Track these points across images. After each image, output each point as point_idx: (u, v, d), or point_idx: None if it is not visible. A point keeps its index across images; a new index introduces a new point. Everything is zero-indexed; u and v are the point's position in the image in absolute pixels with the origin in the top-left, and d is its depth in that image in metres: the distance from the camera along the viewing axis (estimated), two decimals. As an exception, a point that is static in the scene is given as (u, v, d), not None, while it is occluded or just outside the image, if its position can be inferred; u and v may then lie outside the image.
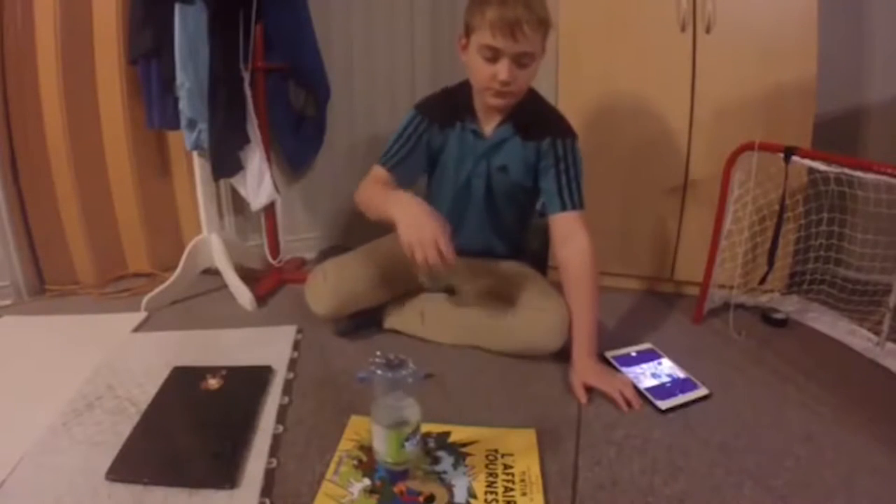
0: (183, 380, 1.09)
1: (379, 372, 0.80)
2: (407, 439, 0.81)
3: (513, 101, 1.13)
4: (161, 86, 1.49)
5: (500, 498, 0.79)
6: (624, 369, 1.15)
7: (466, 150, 1.23)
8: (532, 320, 1.16)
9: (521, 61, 1.05)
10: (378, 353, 0.83)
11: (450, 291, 1.35)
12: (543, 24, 1.04)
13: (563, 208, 1.15)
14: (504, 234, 1.35)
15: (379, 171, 1.22)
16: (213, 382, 1.07)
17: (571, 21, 1.49)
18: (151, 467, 0.85)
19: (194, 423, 0.97)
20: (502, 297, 1.24)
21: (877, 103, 1.60)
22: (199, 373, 1.10)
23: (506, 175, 1.23)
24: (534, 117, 1.19)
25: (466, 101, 1.20)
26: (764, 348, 1.28)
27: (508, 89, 1.07)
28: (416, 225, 0.98)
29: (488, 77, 1.06)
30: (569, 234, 1.15)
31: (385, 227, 1.40)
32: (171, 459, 0.87)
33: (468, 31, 1.08)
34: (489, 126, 1.21)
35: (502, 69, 1.04)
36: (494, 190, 1.26)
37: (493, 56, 1.04)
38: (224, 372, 1.10)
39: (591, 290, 1.12)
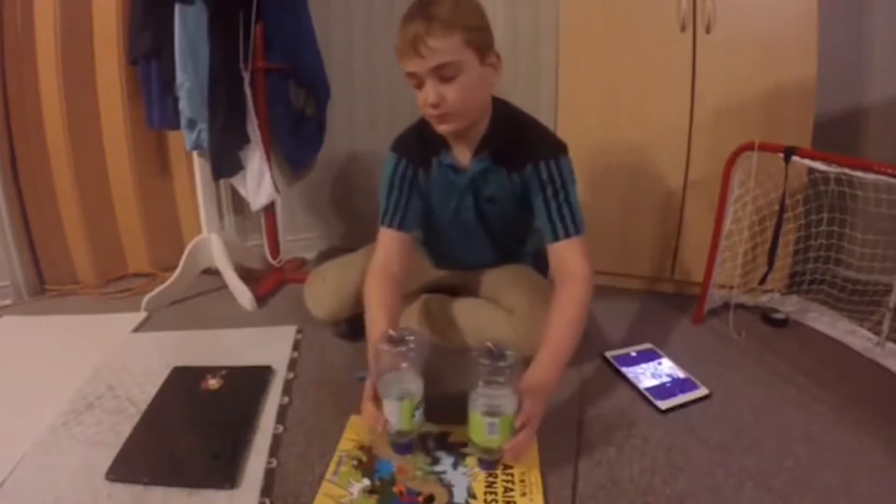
0: (183, 380, 1.09)
1: (385, 347, 0.84)
2: (416, 409, 0.85)
3: (463, 122, 1.00)
4: (161, 86, 1.49)
5: (499, 498, 0.79)
6: (624, 369, 1.15)
7: (448, 185, 1.14)
8: (529, 330, 1.14)
9: (443, 75, 0.92)
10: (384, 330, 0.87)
11: (451, 293, 1.35)
12: (452, 27, 0.90)
13: (556, 238, 1.03)
14: (505, 251, 1.31)
15: (385, 237, 1.12)
16: (213, 382, 1.07)
17: (571, 21, 1.49)
18: (151, 467, 0.85)
19: (194, 423, 0.97)
20: (502, 299, 1.24)
21: (877, 103, 1.60)
22: (199, 373, 1.10)
23: (495, 205, 1.16)
24: (511, 143, 1.07)
25: (436, 133, 1.06)
26: (764, 348, 1.28)
27: (443, 111, 0.96)
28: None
29: (422, 104, 0.97)
30: (565, 266, 1.03)
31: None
32: (171, 459, 0.87)
33: None
34: (464, 157, 1.10)
35: (427, 91, 0.94)
36: (487, 218, 1.19)
37: (417, 82, 0.95)
38: (224, 372, 1.10)
39: (574, 325, 0.97)
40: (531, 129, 1.10)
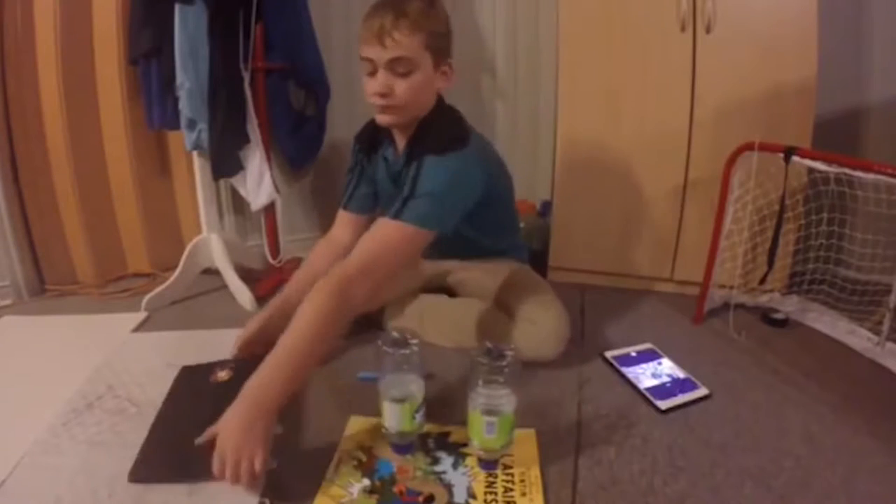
0: (192, 376, 1.09)
1: (388, 349, 0.84)
2: (417, 411, 0.86)
3: (402, 118, 1.05)
4: (161, 86, 1.49)
5: (499, 498, 0.79)
6: (624, 369, 1.15)
7: (385, 176, 1.19)
8: (526, 332, 1.14)
9: (397, 69, 0.98)
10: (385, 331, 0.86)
11: (449, 293, 1.35)
12: (418, 27, 0.96)
13: (387, 214, 1.00)
14: (477, 240, 1.26)
15: (339, 216, 1.28)
16: (222, 374, 1.06)
17: (571, 22, 1.49)
18: (173, 464, 0.84)
19: (210, 416, 0.96)
20: (500, 301, 1.24)
21: (877, 103, 1.60)
22: (207, 367, 1.09)
23: None
24: (426, 141, 1.05)
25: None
26: (764, 348, 1.28)
27: (389, 102, 1.00)
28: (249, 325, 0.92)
29: (370, 92, 1.01)
30: (366, 236, 0.98)
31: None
32: (192, 454, 0.86)
33: None
34: (400, 150, 1.14)
35: (377, 80, 0.99)
36: None
37: (372, 69, 1.00)
38: (232, 364, 1.09)
39: (313, 314, 0.86)
40: (442, 128, 1.07)
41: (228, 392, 0.98)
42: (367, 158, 1.23)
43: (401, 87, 0.99)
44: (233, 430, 0.77)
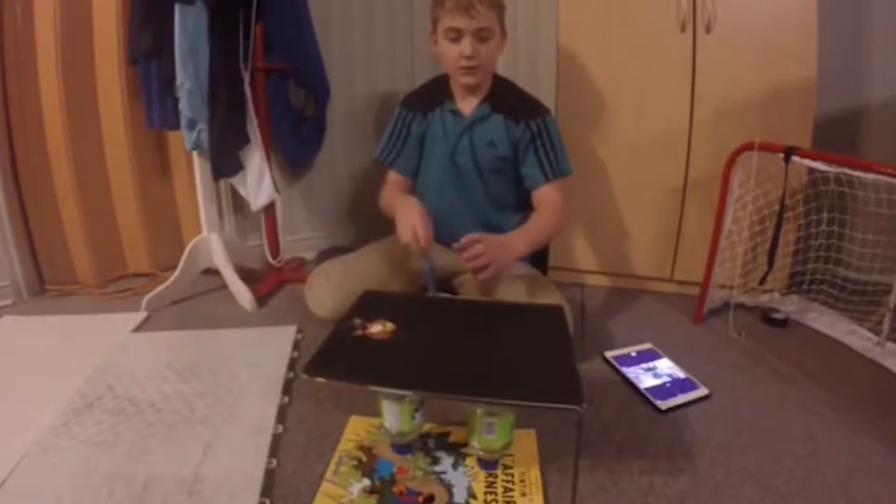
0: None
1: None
2: (416, 410, 0.87)
3: (482, 77, 1.25)
4: (161, 86, 1.49)
5: (499, 498, 0.79)
6: (624, 369, 1.15)
7: (448, 129, 1.31)
8: None
9: (481, 36, 1.18)
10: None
11: (451, 292, 1.35)
12: (496, 5, 1.19)
13: (547, 179, 1.26)
14: (502, 210, 1.36)
15: (390, 173, 1.39)
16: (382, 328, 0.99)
17: (571, 21, 1.49)
18: (349, 367, 0.85)
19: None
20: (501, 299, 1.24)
21: (877, 103, 1.60)
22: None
23: (493, 149, 1.29)
24: (510, 99, 1.30)
25: (445, 87, 1.32)
26: (764, 348, 1.28)
27: (474, 64, 1.19)
28: (404, 217, 1.16)
29: (456, 56, 1.20)
30: (545, 199, 1.27)
31: (386, 228, 1.42)
32: (370, 362, 0.87)
33: (435, 25, 1.23)
34: (468, 107, 1.30)
35: (466, 45, 1.17)
36: (482, 166, 1.31)
37: (457, 36, 1.18)
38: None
39: (555, 214, 1.25)
40: (524, 93, 1.34)
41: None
42: (418, 118, 1.34)
43: (484, 50, 1.20)
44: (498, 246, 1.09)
